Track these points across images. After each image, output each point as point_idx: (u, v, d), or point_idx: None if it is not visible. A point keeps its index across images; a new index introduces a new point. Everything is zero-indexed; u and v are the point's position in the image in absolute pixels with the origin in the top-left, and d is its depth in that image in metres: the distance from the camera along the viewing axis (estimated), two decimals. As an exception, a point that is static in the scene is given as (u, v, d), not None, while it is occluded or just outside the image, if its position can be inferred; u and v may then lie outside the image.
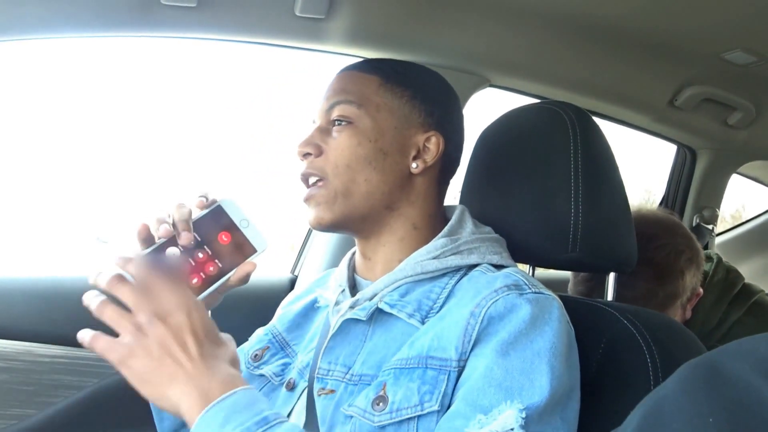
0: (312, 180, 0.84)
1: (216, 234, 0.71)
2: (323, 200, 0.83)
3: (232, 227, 0.72)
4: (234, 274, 0.72)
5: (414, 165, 0.85)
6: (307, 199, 0.84)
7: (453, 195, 1.01)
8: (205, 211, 0.72)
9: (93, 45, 1.38)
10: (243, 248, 0.72)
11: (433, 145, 0.86)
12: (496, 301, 0.73)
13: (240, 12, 1.25)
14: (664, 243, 1.16)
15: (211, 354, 0.66)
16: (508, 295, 0.73)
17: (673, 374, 0.37)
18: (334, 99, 0.85)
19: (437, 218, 0.87)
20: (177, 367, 0.64)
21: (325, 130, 0.85)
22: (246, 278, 0.72)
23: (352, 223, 0.84)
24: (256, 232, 0.73)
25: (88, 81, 2.04)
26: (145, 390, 0.64)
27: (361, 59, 0.92)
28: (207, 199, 0.73)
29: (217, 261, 0.70)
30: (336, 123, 0.84)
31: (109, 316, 0.66)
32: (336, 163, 0.82)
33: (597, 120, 0.95)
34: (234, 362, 0.69)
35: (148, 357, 0.64)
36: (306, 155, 0.84)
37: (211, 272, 0.70)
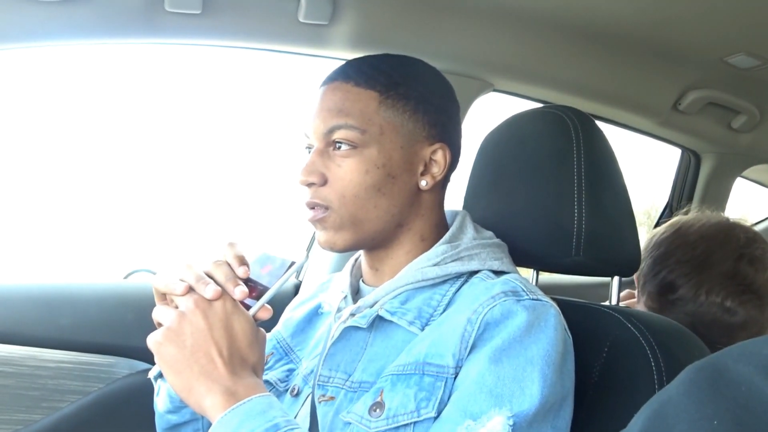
0: (318, 208, 0.81)
1: (258, 271, 0.75)
2: (331, 226, 0.80)
3: (272, 260, 0.76)
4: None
5: (423, 182, 0.82)
6: (313, 222, 0.82)
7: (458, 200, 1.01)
8: (253, 259, 0.77)
9: (97, 52, 1.39)
10: (281, 268, 0.75)
11: (440, 157, 0.83)
12: (493, 307, 0.72)
13: (244, 18, 1.25)
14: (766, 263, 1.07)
15: (240, 358, 0.68)
16: (505, 301, 0.73)
17: (677, 377, 0.37)
18: (332, 122, 0.79)
19: (441, 226, 0.87)
20: (208, 363, 0.66)
21: (325, 154, 0.80)
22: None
23: (364, 244, 0.83)
24: (292, 254, 0.77)
25: (91, 86, 2.05)
26: (174, 380, 0.66)
27: (347, 62, 0.85)
28: (243, 259, 0.74)
29: (259, 285, 0.73)
30: (337, 146, 0.80)
31: (157, 307, 0.70)
32: (343, 193, 0.79)
33: (600, 124, 0.95)
34: (258, 369, 0.70)
35: (180, 347, 0.66)
36: (309, 184, 0.80)
37: (255, 295, 0.73)
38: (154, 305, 0.72)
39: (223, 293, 0.69)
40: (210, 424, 0.66)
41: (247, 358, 0.69)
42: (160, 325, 0.70)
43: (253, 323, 0.71)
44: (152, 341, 0.68)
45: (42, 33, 1.15)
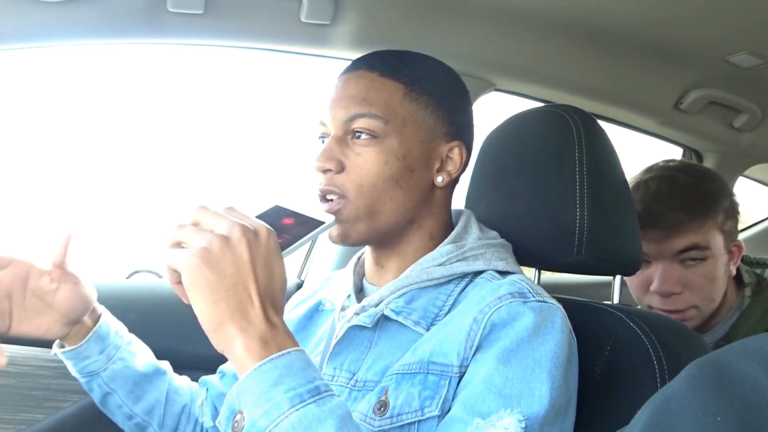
0: (331, 196, 0.79)
1: (279, 221, 0.71)
2: (345, 218, 0.79)
3: (293, 214, 0.73)
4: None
5: (439, 179, 0.82)
6: (327, 213, 0.79)
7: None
8: (265, 209, 0.73)
9: (100, 52, 1.39)
10: (308, 224, 0.72)
11: (457, 155, 0.83)
12: (500, 308, 0.72)
13: (246, 18, 1.26)
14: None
15: (272, 301, 0.62)
16: (511, 302, 0.73)
17: (679, 373, 0.37)
18: (354, 110, 0.78)
19: (449, 225, 0.87)
20: (246, 299, 0.59)
21: (343, 141, 0.79)
22: None
23: (375, 239, 0.83)
24: (317, 213, 0.74)
25: (94, 86, 2.05)
26: (205, 310, 0.59)
27: (370, 54, 0.85)
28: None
29: (285, 234, 0.69)
30: (357, 135, 0.79)
31: (188, 230, 0.61)
32: (360, 182, 0.78)
33: (602, 123, 0.95)
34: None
35: (220, 274, 0.59)
36: (325, 170, 0.79)
37: (281, 241, 0.68)
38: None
39: (269, 230, 0.63)
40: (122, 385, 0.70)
41: (278, 303, 0.63)
42: (179, 245, 0.61)
43: (285, 267, 0.65)
44: (185, 260, 0.59)
45: (44, 33, 1.15)
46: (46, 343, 1.29)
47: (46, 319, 0.84)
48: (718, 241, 1.17)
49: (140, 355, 0.95)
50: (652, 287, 1.17)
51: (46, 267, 0.83)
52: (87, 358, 0.89)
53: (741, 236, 2.33)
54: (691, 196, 1.16)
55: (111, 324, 0.92)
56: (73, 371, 0.91)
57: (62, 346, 0.90)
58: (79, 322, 0.87)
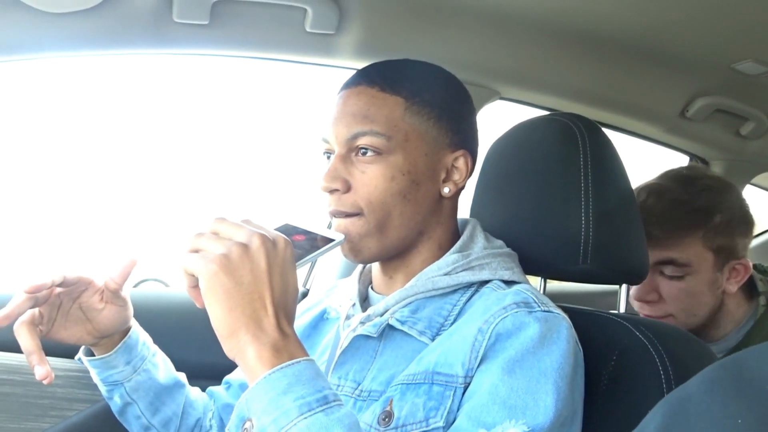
0: (339, 216, 0.80)
1: (290, 237, 0.71)
2: (357, 233, 0.79)
3: (303, 232, 0.75)
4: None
5: (446, 189, 0.82)
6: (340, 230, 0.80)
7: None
8: (275, 227, 0.74)
9: (108, 62, 1.40)
10: (319, 241, 0.74)
11: (462, 164, 0.83)
12: (505, 318, 0.72)
13: (251, 29, 1.26)
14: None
15: (285, 311, 0.63)
16: (516, 312, 0.72)
17: (696, 375, 0.37)
18: (356, 128, 0.78)
19: (456, 234, 0.86)
20: (261, 308, 0.60)
21: (347, 159, 0.79)
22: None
23: (387, 253, 0.82)
24: (328, 231, 0.76)
25: (103, 97, 2.07)
26: (221, 315, 0.59)
27: (369, 66, 0.84)
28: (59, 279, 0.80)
29: (297, 249, 0.70)
30: (361, 152, 0.78)
31: (207, 237, 0.62)
32: (370, 199, 0.78)
33: (607, 131, 0.95)
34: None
35: (237, 281, 0.60)
36: (332, 191, 0.79)
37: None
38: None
39: (286, 241, 0.64)
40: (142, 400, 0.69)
41: (290, 313, 0.64)
42: (196, 252, 0.62)
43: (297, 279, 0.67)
44: (204, 265, 0.60)
45: (52, 45, 1.16)
46: (53, 351, 1.30)
47: (81, 329, 0.86)
48: (703, 258, 1.15)
49: (163, 367, 0.95)
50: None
51: (101, 285, 0.85)
52: (113, 367, 0.89)
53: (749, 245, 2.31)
54: (672, 212, 1.14)
55: (140, 335, 0.93)
56: (97, 379, 0.91)
57: (89, 353, 0.91)
58: (110, 336, 0.89)
